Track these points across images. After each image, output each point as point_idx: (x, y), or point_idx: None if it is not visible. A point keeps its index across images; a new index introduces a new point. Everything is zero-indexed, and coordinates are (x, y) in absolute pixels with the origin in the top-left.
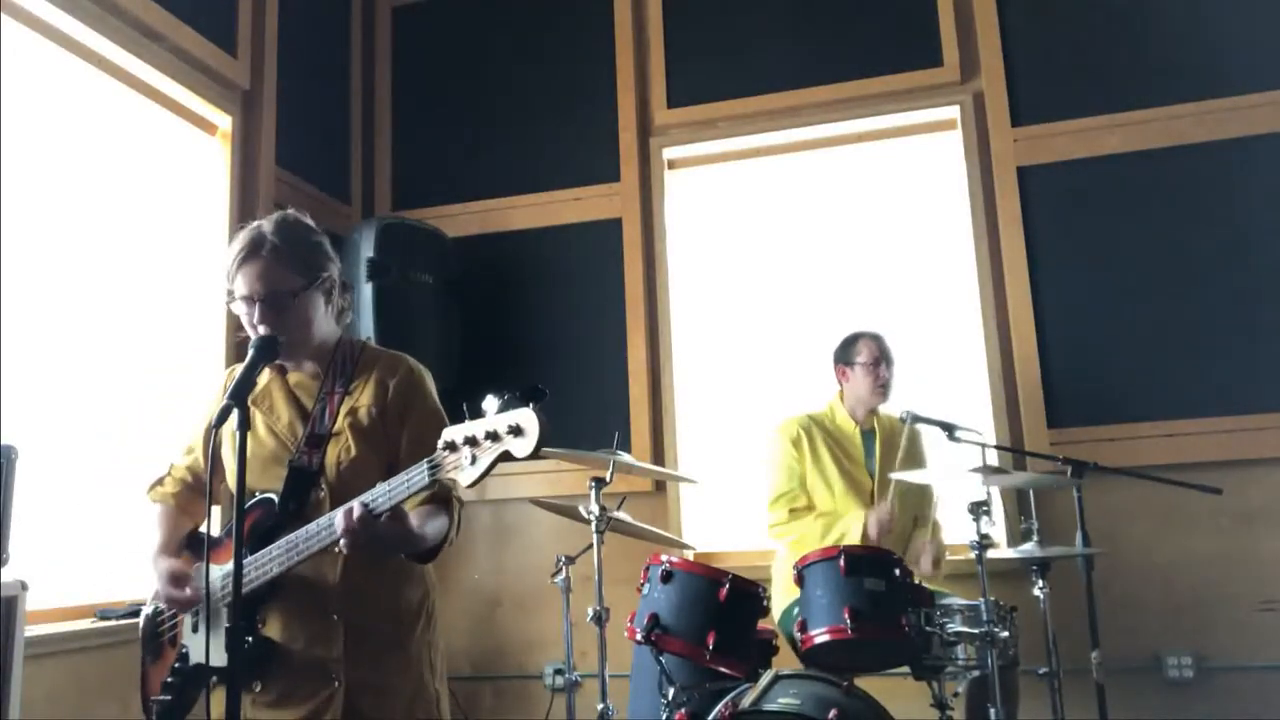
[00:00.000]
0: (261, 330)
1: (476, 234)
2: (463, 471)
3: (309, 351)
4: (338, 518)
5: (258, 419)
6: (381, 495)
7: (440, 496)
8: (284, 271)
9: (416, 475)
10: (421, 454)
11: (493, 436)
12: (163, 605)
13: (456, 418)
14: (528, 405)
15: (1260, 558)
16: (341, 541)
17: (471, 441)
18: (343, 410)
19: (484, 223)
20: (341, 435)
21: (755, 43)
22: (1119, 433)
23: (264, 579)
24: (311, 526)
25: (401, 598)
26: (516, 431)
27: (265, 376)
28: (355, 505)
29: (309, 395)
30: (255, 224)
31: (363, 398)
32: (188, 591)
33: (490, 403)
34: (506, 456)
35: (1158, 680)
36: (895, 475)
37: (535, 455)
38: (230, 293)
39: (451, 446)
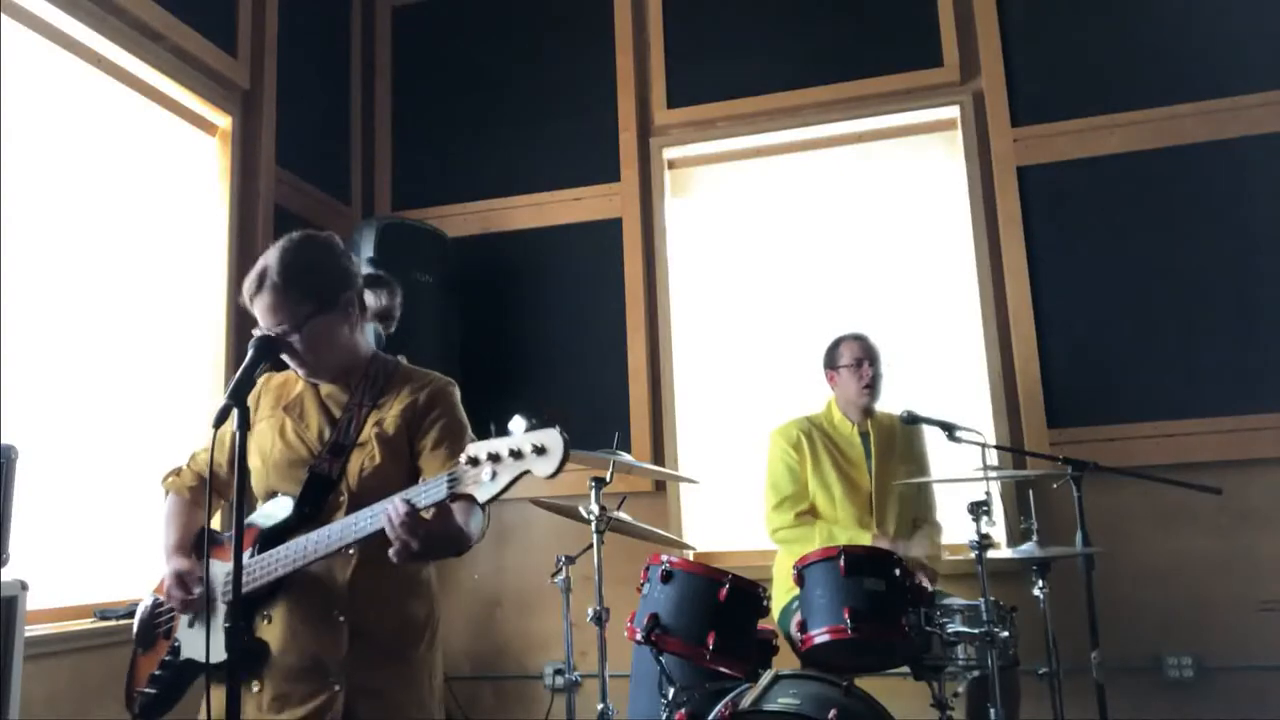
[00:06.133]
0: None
1: (476, 234)
2: (481, 487)
3: (333, 372)
4: (386, 512)
5: (287, 424)
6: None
7: None
8: (288, 304)
9: (434, 488)
10: (440, 453)
11: (516, 454)
12: (163, 600)
13: (481, 430)
14: (555, 427)
15: (1260, 558)
16: (391, 531)
17: (494, 458)
18: (369, 423)
19: (484, 223)
20: (367, 445)
21: (755, 43)
22: (1119, 433)
23: (269, 578)
24: (350, 519)
25: (407, 610)
26: (540, 451)
27: (299, 385)
28: (398, 501)
29: (339, 407)
30: (264, 255)
31: (391, 411)
32: (194, 593)
33: (517, 423)
34: (527, 475)
35: (1158, 680)
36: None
37: (556, 475)
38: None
39: (474, 461)
